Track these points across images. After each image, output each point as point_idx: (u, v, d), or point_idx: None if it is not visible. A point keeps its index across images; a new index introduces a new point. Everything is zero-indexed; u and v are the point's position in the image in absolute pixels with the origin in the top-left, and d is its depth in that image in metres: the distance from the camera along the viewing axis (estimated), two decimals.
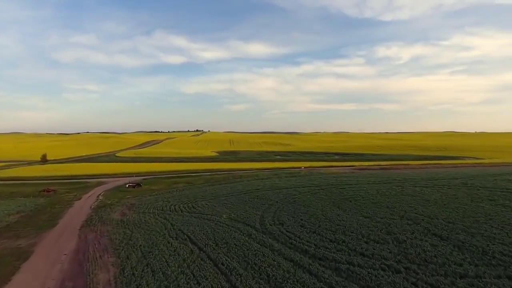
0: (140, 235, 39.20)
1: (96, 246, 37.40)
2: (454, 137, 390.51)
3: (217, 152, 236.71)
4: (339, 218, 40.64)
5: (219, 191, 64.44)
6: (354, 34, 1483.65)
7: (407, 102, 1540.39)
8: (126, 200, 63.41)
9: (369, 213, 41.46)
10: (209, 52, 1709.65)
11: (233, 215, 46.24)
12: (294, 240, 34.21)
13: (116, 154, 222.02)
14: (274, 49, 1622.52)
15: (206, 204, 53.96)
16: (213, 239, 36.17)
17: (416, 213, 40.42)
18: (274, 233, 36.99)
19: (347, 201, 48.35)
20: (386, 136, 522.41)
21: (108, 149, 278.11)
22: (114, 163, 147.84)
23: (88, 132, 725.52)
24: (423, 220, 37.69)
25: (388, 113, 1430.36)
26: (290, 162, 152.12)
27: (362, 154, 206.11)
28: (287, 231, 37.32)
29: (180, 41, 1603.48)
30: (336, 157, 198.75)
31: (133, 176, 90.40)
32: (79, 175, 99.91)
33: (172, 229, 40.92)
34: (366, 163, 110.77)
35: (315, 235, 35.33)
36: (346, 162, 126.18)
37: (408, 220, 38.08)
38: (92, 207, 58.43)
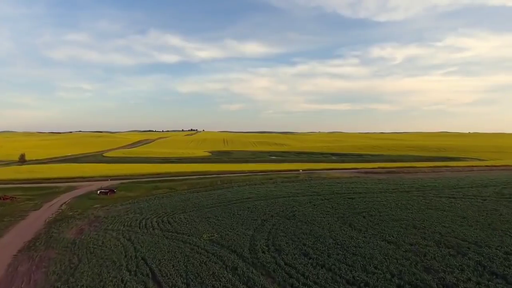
0: (88, 268, 28.72)
1: (23, 285, 26.94)
2: (451, 137, 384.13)
3: (210, 152, 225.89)
4: (353, 243, 30.53)
5: (203, 200, 54.00)
6: (349, 34, 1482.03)
7: (402, 102, 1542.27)
8: (92, 211, 52.68)
9: (392, 236, 31.40)
10: (204, 52, 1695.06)
11: (216, 235, 35.90)
12: (296, 279, 24.10)
13: (104, 154, 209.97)
14: (269, 49, 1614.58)
15: (185, 218, 43.54)
16: (184, 275, 25.94)
17: (456, 237, 30.38)
18: (268, 266, 26.84)
19: (360, 216, 38.31)
20: (382, 136, 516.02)
21: (97, 148, 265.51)
22: (96, 164, 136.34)
23: (80, 131, 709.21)
24: (469, 248, 27.69)
25: (383, 113, 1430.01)
26: (286, 163, 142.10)
27: (360, 155, 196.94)
28: (285, 263, 27.18)
29: (175, 40, 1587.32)
30: (333, 157, 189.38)
31: (108, 180, 79.47)
32: (51, 178, 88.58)
33: (134, 258, 30.49)
34: (370, 165, 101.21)
35: (324, 270, 25.24)
36: (346, 164, 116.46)
37: (449, 248, 28.06)
38: (48, 220, 47.61)
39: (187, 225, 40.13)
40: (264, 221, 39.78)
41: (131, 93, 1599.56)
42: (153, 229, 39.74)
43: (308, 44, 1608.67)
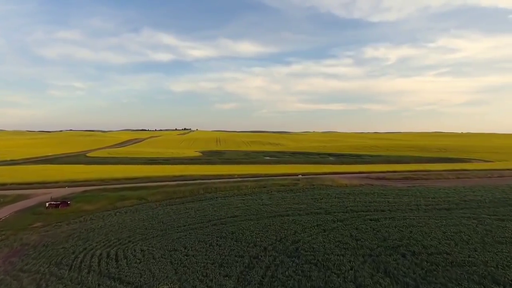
0: None
1: None
2: (448, 137, 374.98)
3: (201, 152, 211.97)
4: None
5: (175, 219, 40.47)
6: (343, 34, 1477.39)
7: (395, 102, 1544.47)
8: (25, 233, 38.88)
9: None
10: (198, 50, 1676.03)
11: None
12: None
13: (87, 154, 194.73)
14: (264, 48, 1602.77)
15: (142, 252, 30.04)
16: None
17: None
18: None
19: (397, 254, 24.99)
20: (377, 136, 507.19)
21: (82, 148, 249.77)
22: (71, 165, 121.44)
23: (71, 130, 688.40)
24: None
25: (376, 113, 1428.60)
26: (281, 164, 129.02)
27: (358, 155, 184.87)
28: None
29: (168, 39, 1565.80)
30: (331, 158, 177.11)
31: (65, 188, 65.27)
32: (6, 184, 74.12)
33: None
34: (377, 168, 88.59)
35: None
36: (350, 167, 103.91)
37: None
38: None
39: (139, 266, 26.62)
40: (254, 259, 26.46)
41: (124, 92, 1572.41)
42: (88, 273, 26.19)
43: (302, 44, 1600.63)
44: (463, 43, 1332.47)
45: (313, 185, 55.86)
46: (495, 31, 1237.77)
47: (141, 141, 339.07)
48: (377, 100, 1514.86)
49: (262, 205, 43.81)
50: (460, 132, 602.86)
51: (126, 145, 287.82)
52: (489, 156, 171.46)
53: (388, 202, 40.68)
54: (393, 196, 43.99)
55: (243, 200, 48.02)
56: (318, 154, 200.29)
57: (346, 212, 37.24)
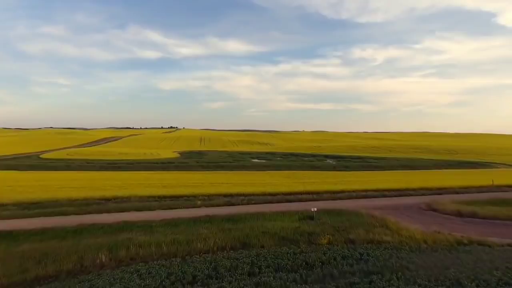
0: None
1: None
2: (447, 138, 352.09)
3: (180, 153, 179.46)
4: None
5: None
6: (331, 34, 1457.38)
7: (382, 102, 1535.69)
8: None
9: None
10: (186, 48, 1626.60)
11: None
12: None
13: (42, 155, 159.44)
14: (252, 47, 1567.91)
15: None
16: None
17: None
18: None
19: None
20: (368, 135, 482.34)
21: (48, 147, 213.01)
22: None
23: (52, 128, 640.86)
24: None
25: (364, 113, 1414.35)
26: (272, 170, 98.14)
27: (360, 158, 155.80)
28: None
29: (155, 36, 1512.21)
30: (330, 160, 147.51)
31: None
32: None
33: None
34: (410, 180, 57.86)
35: None
36: (364, 176, 73.90)
37: None
38: None
39: None
40: None
41: (110, 89, 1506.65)
42: None
43: (291, 44, 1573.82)
44: (448, 44, 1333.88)
45: (347, 241, 24.79)
46: (478, 34, 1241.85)
47: (118, 140, 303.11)
48: (365, 100, 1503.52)
49: None
50: (448, 132, 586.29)
51: (99, 144, 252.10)
52: (507, 159, 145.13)
53: None
54: None
55: None
56: (314, 155, 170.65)
57: None
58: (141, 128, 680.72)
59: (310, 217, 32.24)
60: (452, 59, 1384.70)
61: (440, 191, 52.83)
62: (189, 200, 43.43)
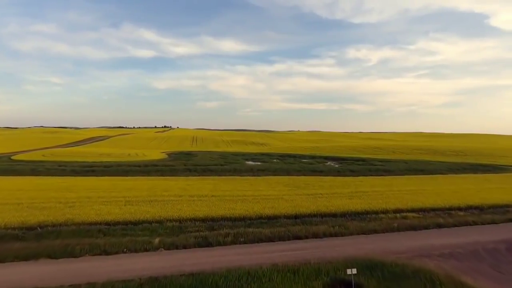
0: None
1: None
2: (447, 138, 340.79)
3: (168, 154, 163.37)
4: None
5: None
6: (326, 34, 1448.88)
7: (376, 103, 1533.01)
8: None
9: None
10: (180, 47, 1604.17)
11: None
12: None
13: (13, 157, 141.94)
14: (247, 47, 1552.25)
15: None
16: None
17: None
18: None
19: None
20: (365, 135, 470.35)
21: (23, 147, 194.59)
22: None
23: (42, 126, 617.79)
24: None
25: (359, 113, 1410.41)
26: (269, 176, 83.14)
27: (364, 160, 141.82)
28: None
29: (150, 35, 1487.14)
30: (331, 163, 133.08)
31: None
32: None
33: None
34: (431, 194, 43.94)
35: None
36: (378, 185, 59.52)
37: None
38: None
39: None
40: None
41: (104, 88, 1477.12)
42: None
43: (286, 44, 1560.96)
44: (441, 46, 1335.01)
45: None
46: (471, 35, 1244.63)
47: (106, 139, 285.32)
48: (359, 100, 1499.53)
49: None
50: (441, 132, 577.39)
51: (84, 144, 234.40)
52: None
53: None
54: None
55: None
56: (312, 157, 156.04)
57: None
58: (134, 127, 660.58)
59: (344, 283, 17.28)
60: (445, 60, 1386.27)
61: (495, 209, 38.46)
62: (146, 233, 28.15)
